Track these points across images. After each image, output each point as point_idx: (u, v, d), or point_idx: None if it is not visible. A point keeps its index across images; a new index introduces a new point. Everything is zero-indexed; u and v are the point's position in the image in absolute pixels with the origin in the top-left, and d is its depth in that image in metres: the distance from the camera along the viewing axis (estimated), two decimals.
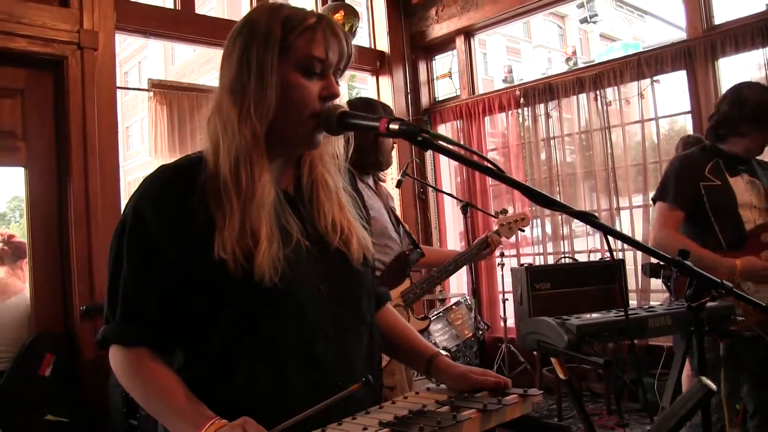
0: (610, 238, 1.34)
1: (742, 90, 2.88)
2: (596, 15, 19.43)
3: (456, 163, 6.67)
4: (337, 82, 1.36)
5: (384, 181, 3.17)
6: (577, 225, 6.65)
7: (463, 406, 1.27)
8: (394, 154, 3.50)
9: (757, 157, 3.01)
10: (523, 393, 1.35)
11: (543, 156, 6.09)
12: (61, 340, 4.01)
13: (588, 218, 1.26)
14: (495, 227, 3.51)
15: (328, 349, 1.33)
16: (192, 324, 1.30)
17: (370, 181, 3.01)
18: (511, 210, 4.28)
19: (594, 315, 1.98)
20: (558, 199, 1.35)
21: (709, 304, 2.08)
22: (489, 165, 1.21)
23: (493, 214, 4.23)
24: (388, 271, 2.95)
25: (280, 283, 1.25)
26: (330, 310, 1.36)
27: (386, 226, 2.98)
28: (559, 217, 6.00)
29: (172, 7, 5.19)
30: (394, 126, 1.18)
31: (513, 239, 6.22)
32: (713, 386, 0.95)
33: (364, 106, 2.97)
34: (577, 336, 1.85)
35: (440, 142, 1.20)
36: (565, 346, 1.84)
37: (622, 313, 2.02)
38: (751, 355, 2.66)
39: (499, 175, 1.21)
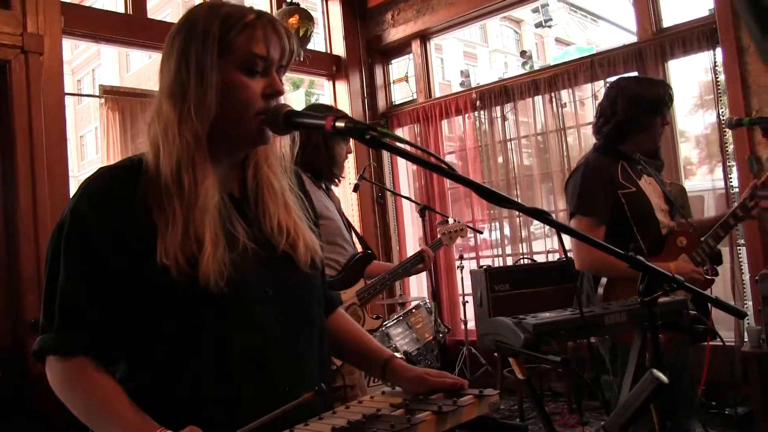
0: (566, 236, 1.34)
1: (628, 86, 2.85)
2: (551, 19, 19.69)
3: (415, 166, 6.71)
4: (280, 80, 1.33)
5: (337, 185, 3.21)
6: (536, 227, 6.71)
7: (418, 408, 1.25)
8: (351, 157, 3.56)
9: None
10: (479, 393, 1.33)
11: (500, 158, 6.12)
12: (9, 354, 3.89)
13: (541, 215, 1.25)
14: (438, 236, 3.89)
15: (277, 353, 1.30)
16: (135, 332, 1.25)
17: (323, 186, 3.06)
18: (452, 220, 4.56)
19: (550, 313, 1.98)
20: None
21: (663, 299, 2.11)
22: (439, 162, 1.19)
23: (448, 217, 4.37)
24: (343, 271, 3.01)
25: (227, 288, 1.22)
26: (279, 314, 1.32)
27: (340, 227, 3.04)
28: (518, 219, 6.04)
29: (123, 11, 5.07)
30: (340, 124, 1.16)
31: (472, 242, 6.25)
32: (665, 378, 0.95)
33: (323, 109, 3.01)
34: (533, 335, 1.84)
35: (389, 141, 1.17)
36: (521, 345, 1.83)
37: (578, 312, 2.02)
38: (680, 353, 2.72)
39: (449, 172, 1.20)
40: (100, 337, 1.24)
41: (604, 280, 2.75)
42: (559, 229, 1.31)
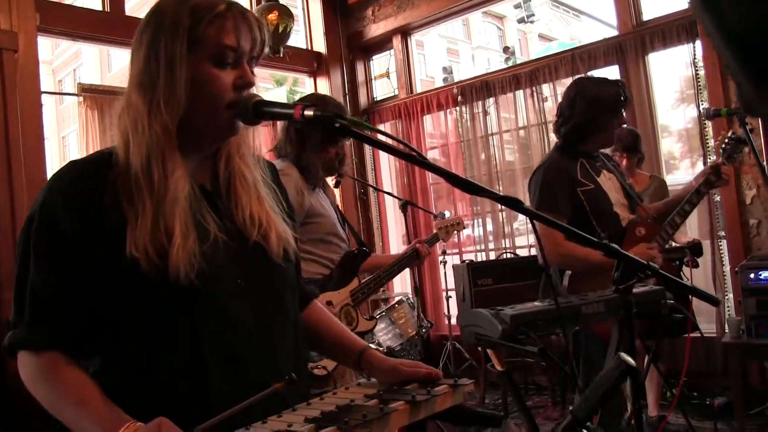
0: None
1: (587, 88, 2.95)
2: (533, 15, 19.69)
3: (397, 163, 6.71)
4: (251, 71, 1.32)
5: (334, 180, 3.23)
6: (520, 222, 6.73)
7: (391, 398, 1.25)
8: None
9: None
10: (453, 383, 1.33)
11: (482, 153, 6.12)
12: None
13: (514, 204, 1.25)
14: (434, 230, 3.67)
15: (250, 346, 1.29)
16: (107, 325, 1.24)
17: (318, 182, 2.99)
18: (451, 211, 4.41)
19: (528, 304, 1.98)
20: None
21: (641, 289, 2.12)
22: (410, 151, 1.19)
23: (433, 212, 4.27)
24: (337, 269, 2.94)
25: (197, 280, 1.21)
26: (252, 305, 1.32)
27: (335, 225, 2.97)
28: (501, 214, 6.06)
29: (101, 9, 5.02)
30: (308, 112, 1.15)
31: (456, 238, 6.25)
32: (632, 362, 0.95)
33: (316, 100, 2.95)
34: (511, 326, 1.84)
35: (359, 129, 1.16)
36: (499, 336, 1.83)
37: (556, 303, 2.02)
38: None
39: (420, 160, 1.19)
40: (71, 332, 1.23)
41: (569, 272, 2.85)
42: (532, 217, 1.32)
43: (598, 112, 2.88)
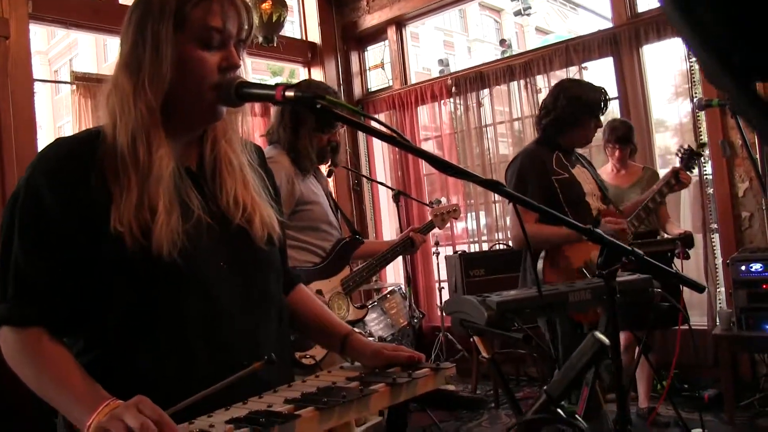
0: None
1: (571, 87, 3.19)
2: (530, 8, 19.69)
3: (391, 154, 6.70)
4: (239, 54, 1.32)
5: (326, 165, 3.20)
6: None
7: (372, 381, 1.25)
8: None
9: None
10: (435, 366, 1.33)
11: (476, 144, 6.12)
12: None
13: (494, 186, 1.25)
14: (429, 218, 3.56)
15: (233, 328, 1.30)
16: (91, 304, 1.25)
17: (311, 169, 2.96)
18: (444, 201, 4.33)
19: (515, 291, 1.98)
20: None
21: (629, 277, 2.12)
22: (391, 133, 1.19)
23: (426, 202, 4.22)
24: (328, 258, 2.93)
25: (180, 257, 1.21)
26: (235, 288, 1.32)
27: (327, 212, 2.96)
28: (494, 207, 6.05)
29: None
30: (289, 93, 1.15)
31: (449, 230, 6.26)
32: (606, 340, 0.95)
33: (308, 85, 2.94)
34: (497, 312, 1.84)
35: (341, 112, 1.16)
36: (485, 322, 1.83)
37: (545, 290, 2.03)
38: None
39: (401, 142, 1.19)
40: (54, 309, 1.23)
41: (543, 253, 3.00)
42: (513, 200, 1.31)
43: (578, 110, 3.08)
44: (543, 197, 2.96)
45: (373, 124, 1.29)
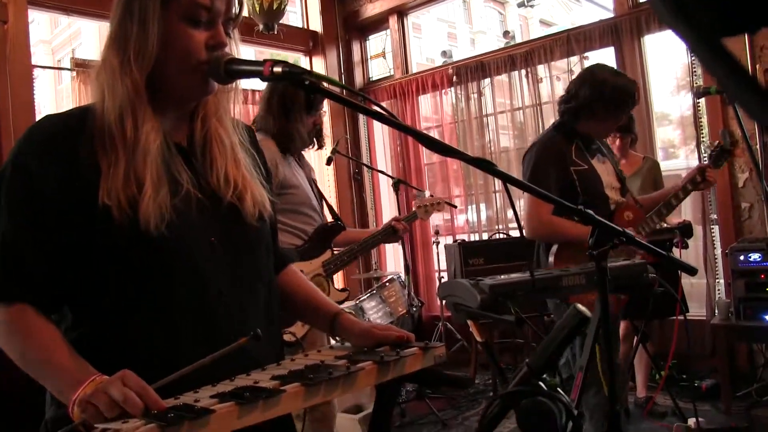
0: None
1: (598, 73, 2.92)
2: None
3: (392, 143, 6.69)
4: (227, 33, 1.31)
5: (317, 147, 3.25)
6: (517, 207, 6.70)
7: (360, 359, 1.25)
8: (327, 129, 3.51)
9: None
10: (424, 345, 1.33)
11: (477, 134, 6.11)
12: None
13: (486, 166, 1.24)
14: (413, 208, 3.61)
15: (221, 305, 1.29)
16: (79, 279, 1.24)
17: (294, 154, 3.05)
18: (446, 195, 4.31)
19: (508, 275, 1.98)
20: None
21: (623, 262, 2.12)
22: (380, 110, 1.18)
23: (424, 191, 4.23)
24: (310, 241, 2.98)
25: (167, 231, 1.21)
26: (224, 265, 1.31)
27: (310, 197, 3.01)
28: (494, 197, 6.04)
29: None
30: (277, 69, 1.14)
31: (447, 216, 6.25)
32: (588, 312, 0.95)
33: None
34: (489, 296, 1.83)
35: (326, 85, 1.16)
36: (478, 306, 1.83)
37: (538, 274, 2.02)
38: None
39: (390, 120, 1.19)
40: (42, 284, 1.23)
41: (554, 247, 2.88)
42: (506, 180, 1.31)
43: (599, 100, 2.85)
44: (561, 189, 2.81)
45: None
